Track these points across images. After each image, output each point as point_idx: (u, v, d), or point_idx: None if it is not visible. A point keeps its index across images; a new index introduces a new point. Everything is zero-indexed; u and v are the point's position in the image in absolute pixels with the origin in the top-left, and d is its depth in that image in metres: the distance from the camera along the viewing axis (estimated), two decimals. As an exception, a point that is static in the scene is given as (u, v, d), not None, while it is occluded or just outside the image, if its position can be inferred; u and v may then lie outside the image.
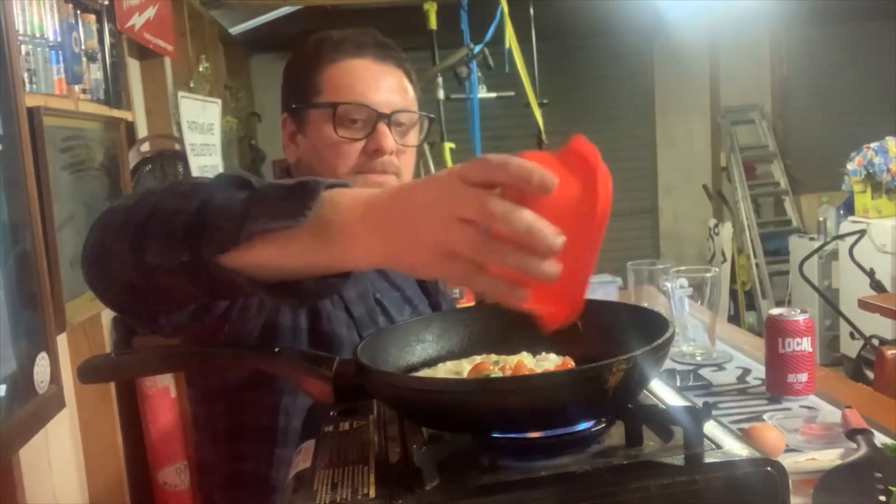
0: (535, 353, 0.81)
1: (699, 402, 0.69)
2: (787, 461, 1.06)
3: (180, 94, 2.63)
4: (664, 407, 0.72)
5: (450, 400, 0.66)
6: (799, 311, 1.45)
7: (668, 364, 1.62)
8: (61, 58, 1.91)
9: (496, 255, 0.59)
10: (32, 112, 1.68)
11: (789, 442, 1.19)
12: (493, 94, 3.42)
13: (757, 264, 5.49)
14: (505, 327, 0.86)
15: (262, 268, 0.70)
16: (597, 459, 0.65)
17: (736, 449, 0.64)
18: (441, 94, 3.22)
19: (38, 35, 1.79)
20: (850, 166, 4.52)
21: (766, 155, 5.85)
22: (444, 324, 0.88)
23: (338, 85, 1.18)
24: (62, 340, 1.80)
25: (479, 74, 3.26)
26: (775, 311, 1.47)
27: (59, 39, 1.90)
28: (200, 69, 3.30)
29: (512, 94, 3.45)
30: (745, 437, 1.05)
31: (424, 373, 0.81)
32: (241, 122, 4.29)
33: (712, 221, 5.64)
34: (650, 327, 0.72)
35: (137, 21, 2.52)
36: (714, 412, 0.70)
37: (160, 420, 2.35)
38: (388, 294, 1.26)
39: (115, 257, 0.79)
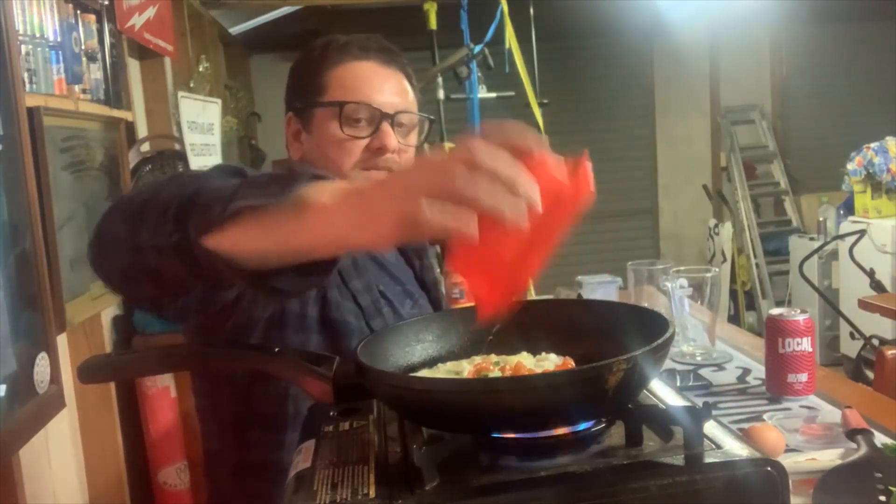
0: (535, 353, 0.81)
1: (699, 402, 0.69)
2: (787, 461, 1.06)
3: (180, 94, 2.63)
4: (664, 407, 0.72)
5: (450, 400, 0.66)
6: (799, 311, 1.45)
7: (668, 364, 1.61)
8: (61, 58, 1.91)
9: (476, 183, 0.58)
10: (32, 112, 1.68)
11: (789, 442, 1.19)
12: (493, 94, 3.42)
13: (757, 264, 5.50)
14: (505, 327, 0.86)
15: (243, 251, 0.70)
16: (597, 459, 0.65)
17: (736, 449, 0.64)
18: (441, 94, 3.22)
19: (38, 35, 1.79)
20: (850, 166, 4.51)
21: (766, 155, 5.85)
22: (444, 324, 0.88)
23: (343, 85, 1.22)
24: (62, 340, 1.80)
25: (479, 74, 3.26)
26: (775, 311, 1.47)
27: (59, 39, 1.90)
28: (200, 69, 3.30)
29: (512, 94, 3.45)
30: (745, 437, 1.05)
31: (424, 373, 0.82)
32: (241, 122, 4.29)
33: (712, 221, 5.64)
34: (650, 327, 0.72)
35: (137, 21, 2.52)
36: (714, 412, 0.70)
37: (160, 420, 2.35)
38: (390, 287, 1.29)
39: (113, 240, 0.82)
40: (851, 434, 1.16)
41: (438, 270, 1.62)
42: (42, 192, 1.70)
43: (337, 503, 0.61)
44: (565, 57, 5.54)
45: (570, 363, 0.77)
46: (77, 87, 2.03)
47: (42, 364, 1.53)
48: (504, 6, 3.18)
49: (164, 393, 2.36)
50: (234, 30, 4.65)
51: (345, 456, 0.70)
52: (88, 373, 0.84)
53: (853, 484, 1.01)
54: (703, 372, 1.61)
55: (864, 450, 1.09)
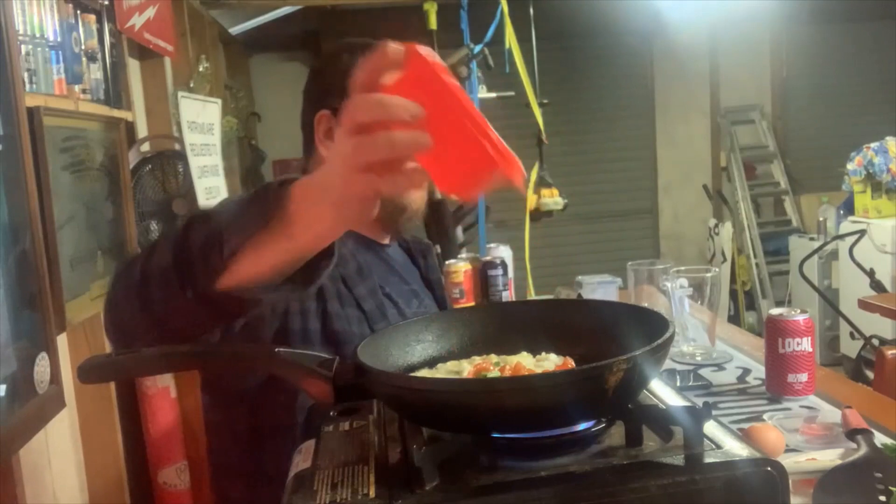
0: (535, 353, 0.81)
1: (699, 402, 0.69)
2: (787, 461, 1.06)
3: (180, 94, 2.63)
4: (664, 407, 0.72)
5: (450, 400, 0.66)
6: (799, 311, 1.45)
7: (668, 364, 1.62)
8: (61, 58, 1.91)
9: (369, 146, 0.66)
10: (32, 112, 1.68)
11: (789, 442, 1.19)
12: (493, 94, 3.42)
13: (757, 264, 5.49)
14: (505, 327, 0.86)
15: (255, 276, 0.77)
16: (597, 459, 0.65)
17: (736, 449, 0.64)
18: (441, 93, 3.20)
19: (38, 35, 1.79)
20: (850, 166, 4.51)
21: (766, 155, 5.85)
22: (444, 324, 0.88)
23: None
24: (62, 340, 1.80)
25: (479, 74, 3.26)
26: (775, 311, 1.47)
27: (59, 39, 1.90)
28: (200, 69, 3.30)
29: (512, 94, 3.45)
30: (745, 437, 1.05)
31: (424, 373, 0.81)
32: (241, 122, 4.30)
33: (712, 221, 5.64)
34: (650, 327, 0.72)
35: (137, 21, 2.52)
36: (714, 412, 0.70)
37: (160, 420, 2.35)
38: (396, 287, 1.31)
39: (128, 311, 0.87)
40: (851, 434, 1.16)
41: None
42: (42, 192, 1.69)
43: (337, 503, 0.61)
44: (565, 57, 5.54)
45: (570, 363, 0.77)
46: (77, 87, 2.03)
47: (42, 364, 1.53)
48: (504, 6, 3.18)
49: (164, 393, 2.36)
50: (234, 30, 4.64)
51: (345, 456, 0.70)
52: (88, 373, 0.84)
53: (853, 484, 1.01)
54: (703, 372, 1.61)
55: (864, 450, 1.09)
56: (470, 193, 0.69)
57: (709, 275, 1.65)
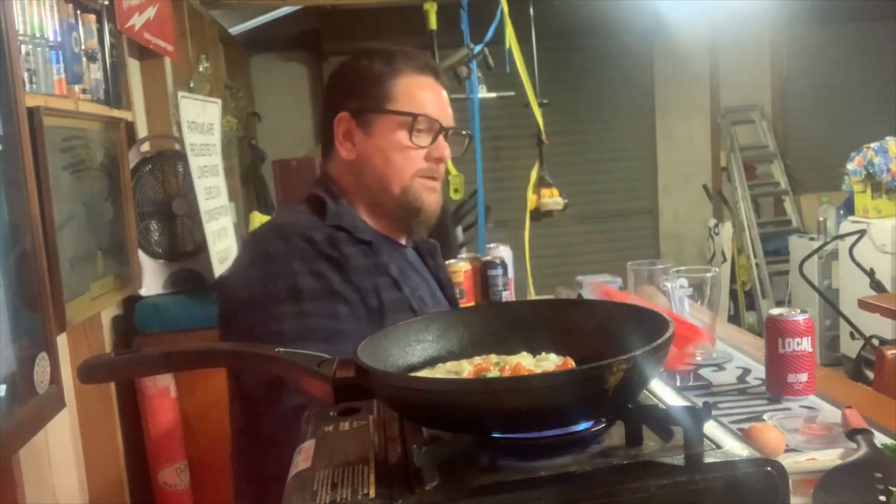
0: (535, 353, 0.81)
1: (699, 402, 0.69)
2: (787, 461, 1.06)
3: (180, 94, 2.62)
4: (664, 407, 0.72)
5: (450, 400, 0.66)
6: (799, 311, 1.45)
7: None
8: (61, 58, 1.91)
9: None
10: (32, 112, 1.68)
11: (789, 442, 1.19)
12: (493, 94, 3.41)
13: (757, 264, 5.49)
14: (505, 327, 0.86)
15: None
16: (597, 459, 0.65)
17: (736, 449, 0.64)
18: (441, 93, 3.20)
19: (38, 35, 1.79)
20: (850, 166, 4.51)
21: (766, 155, 5.85)
22: (444, 324, 0.88)
23: (413, 97, 1.34)
24: (62, 340, 1.80)
25: (479, 74, 3.25)
26: (775, 311, 1.47)
27: (59, 39, 1.90)
28: (200, 69, 3.29)
29: (512, 94, 3.44)
30: (745, 437, 1.05)
31: (424, 373, 0.81)
32: (241, 122, 4.29)
33: (712, 221, 5.64)
34: (650, 327, 0.72)
35: (137, 21, 2.52)
36: (714, 412, 0.70)
37: (160, 420, 2.35)
38: (421, 287, 1.39)
39: None
40: (851, 434, 1.16)
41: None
42: (42, 192, 1.69)
43: (337, 503, 0.61)
44: (565, 57, 5.54)
45: (570, 363, 0.77)
46: (77, 87, 2.03)
47: (42, 364, 1.52)
48: (504, 6, 3.17)
49: (164, 393, 2.36)
50: (234, 30, 4.64)
51: (345, 456, 0.70)
52: (88, 373, 0.84)
53: (853, 484, 1.01)
54: (703, 372, 1.61)
55: (864, 450, 1.09)
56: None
57: (709, 275, 1.65)
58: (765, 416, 1.32)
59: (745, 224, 5.55)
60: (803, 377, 1.43)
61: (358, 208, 1.37)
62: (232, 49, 4.85)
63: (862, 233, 4.16)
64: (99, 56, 2.21)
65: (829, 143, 5.57)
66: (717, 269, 1.70)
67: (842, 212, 4.77)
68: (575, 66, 5.61)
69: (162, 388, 2.35)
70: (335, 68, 1.42)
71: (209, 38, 3.96)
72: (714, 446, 0.65)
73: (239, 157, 4.57)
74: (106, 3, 2.28)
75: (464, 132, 1.43)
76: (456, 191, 2.89)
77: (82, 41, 2.07)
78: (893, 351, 2.05)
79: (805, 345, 1.42)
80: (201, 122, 2.69)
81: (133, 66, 2.71)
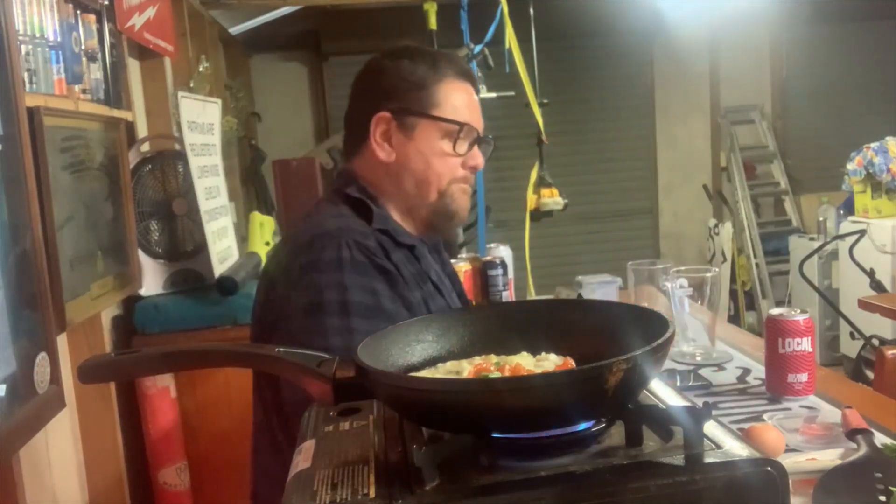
0: (535, 353, 0.81)
1: (699, 402, 0.69)
2: (787, 461, 1.06)
3: (180, 94, 2.62)
4: (664, 407, 0.72)
5: (450, 400, 0.66)
6: (799, 311, 1.45)
7: (668, 364, 1.61)
8: (61, 58, 1.91)
9: None
10: (32, 112, 1.68)
11: (789, 442, 1.19)
12: (493, 94, 3.42)
13: (757, 264, 5.49)
14: (505, 327, 0.86)
15: None
16: (597, 459, 0.65)
17: (736, 449, 0.64)
18: (441, 93, 3.20)
19: (38, 35, 1.79)
20: (850, 166, 4.51)
21: (766, 155, 5.85)
22: (444, 324, 0.88)
23: (456, 105, 1.35)
24: (62, 340, 1.80)
25: (479, 74, 3.25)
26: (775, 311, 1.47)
27: (59, 39, 1.90)
28: (200, 69, 3.29)
29: (512, 94, 3.44)
30: (745, 437, 1.05)
31: (424, 373, 0.81)
32: (241, 122, 4.29)
33: (712, 221, 5.64)
34: (650, 327, 0.72)
35: (137, 21, 2.52)
36: (714, 412, 0.70)
37: (160, 420, 2.35)
38: (440, 282, 1.41)
39: None
40: (851, 434, 1.16)
41: None
42: (42, 192, 1.69)
43: (337, 503, 0.61)
44: (565, 57, 5.54)
45: (570, 363, 0.77)
46: (77, 87, 2.02)
47: (42, 364, 1.52)
48: (504, 6, 3.17)
49: (164, 393, 2.36)
50: (234, 30, 4.64)
51: (345, 456, 0.70)
52: (88, 373, 0.84)
53: (853, 484, 1.01)
54: (703, 372, 1.61)
55: (864, 450, 1.09)
56: None
57: (709, 275, 1.65)
58: (765, 416, 1.32)
59: (745, 224, 5.55)
60: (803, 377, 1.43)
61: (391, 210, 1.37)
62: (232, 49, 4.85)
63: (862, 233, 4.16)
64: (99, 56, 2.21)
65: (829, 143, 5.57)
66: (717, 269, 1.70)
67: (842, 212, 4.77)
68: (575, 66, 5.61)
69: (162, 388, 2.35)
70: (370, 63, 1.39)
71: (209, 38, 3.96)
72: (714, 446, 0.65)
73: (239, 157, 4.57)
74: (106, 3, 2.28)
75: (490, 137, 1.43)
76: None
77: (82, 41, 2.07)
78: (893, 351, 2.05)
79: (805, 345, 1.42)
80: (201, 122, 2.69)
81: (133, 66, 2.71)
